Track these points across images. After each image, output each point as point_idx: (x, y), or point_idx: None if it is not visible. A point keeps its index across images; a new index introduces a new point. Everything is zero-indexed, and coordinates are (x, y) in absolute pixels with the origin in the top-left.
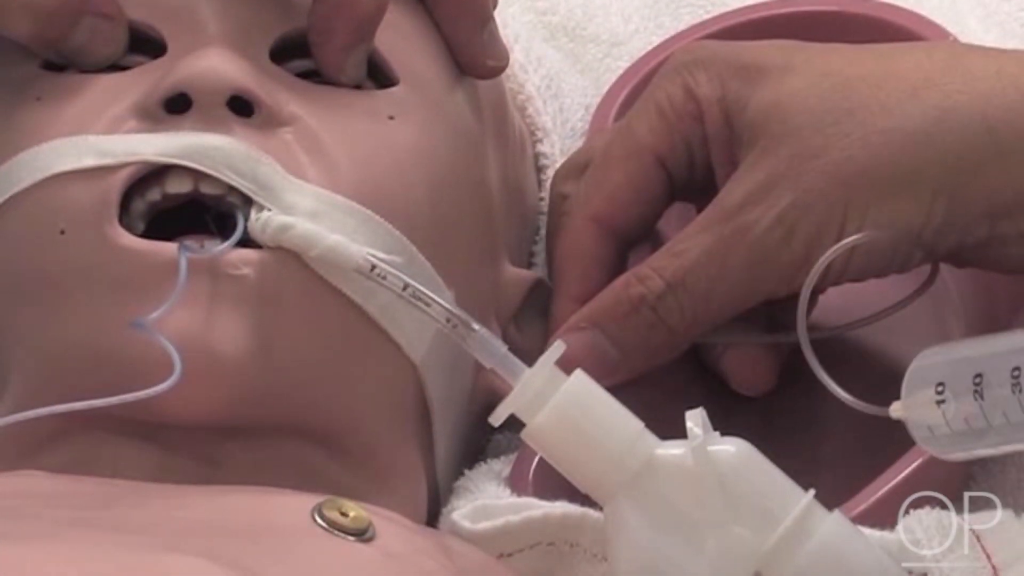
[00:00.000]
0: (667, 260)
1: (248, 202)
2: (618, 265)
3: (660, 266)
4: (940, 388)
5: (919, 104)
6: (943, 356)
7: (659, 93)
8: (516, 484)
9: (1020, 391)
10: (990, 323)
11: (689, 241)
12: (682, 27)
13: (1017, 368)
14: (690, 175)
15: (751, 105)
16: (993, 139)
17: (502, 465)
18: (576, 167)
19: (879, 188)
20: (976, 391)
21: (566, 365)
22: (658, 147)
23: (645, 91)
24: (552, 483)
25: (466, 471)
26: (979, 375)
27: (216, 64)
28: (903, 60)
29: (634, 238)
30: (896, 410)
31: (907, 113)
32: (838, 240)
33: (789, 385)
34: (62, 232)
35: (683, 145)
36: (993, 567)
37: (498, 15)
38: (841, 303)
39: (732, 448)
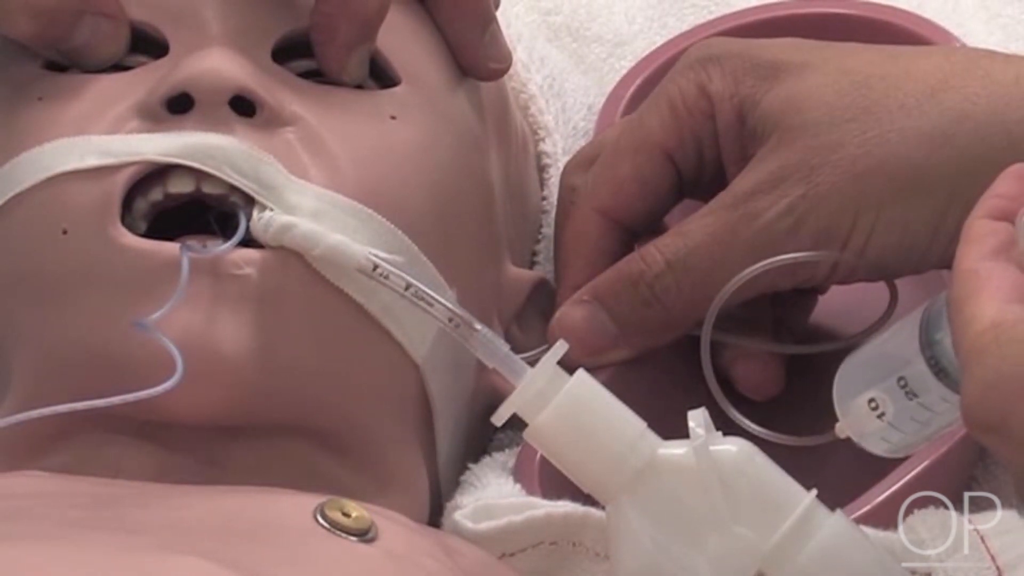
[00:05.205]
0: (671, 239)
1: (250, 202)
2: (622, 257)
3: (663, 245)
4: (872, 403)
5: (937, 105)
6: (862, 369)
7: (672, 88)
8: (522, 473)
9: (941, 374)
10: None
11: (695, 223)
12: (686, 27)
13: (932, 357)
14: (699, 172)
15: (767, 99)
16: (1011, 142)
17: (507, 457)
18: (586, 159)
19: (894, 186)
20: (907, 392)
21: (566, 334)
22: (667, 142)
23: (659, 85)
24: (557, 472)
25: (471, 465)
26: (902, 378)
27: (218, 64)
28: (922, 62)
29: (640, 231)
30: (841, 430)
31: (925, 113)
32: (848, 236)
33: (792, 385)
34: (64, 232)
35: (693, 141)
36: (998, 568)
37: (501, 15)
38: (845, 308)
39: (734, 448)
